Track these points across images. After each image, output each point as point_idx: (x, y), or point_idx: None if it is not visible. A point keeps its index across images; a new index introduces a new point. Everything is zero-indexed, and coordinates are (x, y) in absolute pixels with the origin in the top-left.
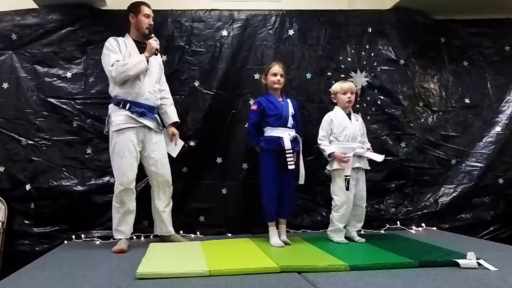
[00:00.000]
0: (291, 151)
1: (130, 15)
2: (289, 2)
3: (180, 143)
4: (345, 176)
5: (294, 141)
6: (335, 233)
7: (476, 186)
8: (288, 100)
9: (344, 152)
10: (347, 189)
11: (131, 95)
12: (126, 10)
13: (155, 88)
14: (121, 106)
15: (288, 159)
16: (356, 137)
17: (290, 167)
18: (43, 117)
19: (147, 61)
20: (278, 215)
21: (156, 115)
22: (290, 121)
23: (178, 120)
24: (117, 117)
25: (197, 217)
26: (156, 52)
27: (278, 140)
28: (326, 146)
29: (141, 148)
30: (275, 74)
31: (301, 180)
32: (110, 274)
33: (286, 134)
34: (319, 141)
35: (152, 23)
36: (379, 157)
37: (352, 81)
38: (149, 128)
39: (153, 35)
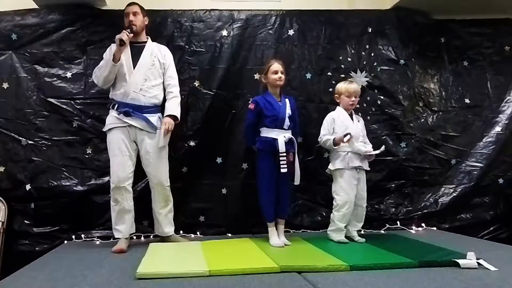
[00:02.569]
0: (284, 154)
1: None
2: (289, 2)
3: (168, 135)
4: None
5: (289, 143)
6: (336, 232)
7: (476, 186)
8: (287, 100)
9: (345, 150)
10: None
11: (118, 96)
12: None
13: (143, 86)
14: (111, 107)
15: (281, 162)
16: (357, 137)
17: (282, 170)
18: (43, 117)
19: (141, 58)
20: (276, 216)
21: (148, 115)
22: (287, 123)
23: (174, 114)
24: (109, 117)
25: (197, 217)
26: (121, 43)
27: (273, 142)
28: (327, 137)
29: (137, 148)
30: (275, 72)
31: (297, 181)
32: (110, 274)
33: (281, 136)
34: (319, 139)
35: (134, 19)
36: (379, 151)
37: (352, 81)
38: (140, 128)
39: (129, 30)
